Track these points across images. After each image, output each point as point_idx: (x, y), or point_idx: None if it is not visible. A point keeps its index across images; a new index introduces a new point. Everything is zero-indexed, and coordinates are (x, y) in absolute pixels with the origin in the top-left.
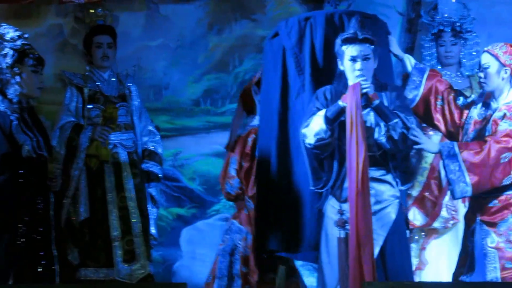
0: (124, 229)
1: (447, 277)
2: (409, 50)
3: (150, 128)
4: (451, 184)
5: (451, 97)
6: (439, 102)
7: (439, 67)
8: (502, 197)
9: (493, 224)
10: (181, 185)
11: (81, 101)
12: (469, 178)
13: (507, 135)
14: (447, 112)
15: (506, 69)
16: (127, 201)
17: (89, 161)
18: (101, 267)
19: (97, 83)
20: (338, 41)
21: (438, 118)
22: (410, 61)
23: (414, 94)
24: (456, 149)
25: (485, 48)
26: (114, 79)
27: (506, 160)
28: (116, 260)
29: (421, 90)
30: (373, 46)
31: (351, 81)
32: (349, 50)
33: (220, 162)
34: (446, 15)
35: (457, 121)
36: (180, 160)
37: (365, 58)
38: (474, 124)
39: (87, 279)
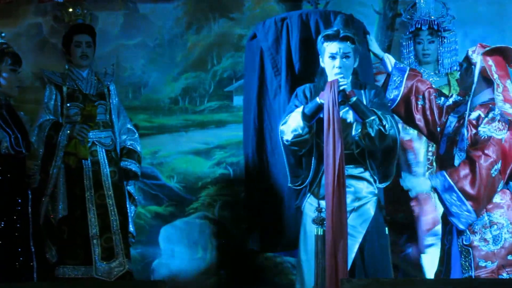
0: (103, 226)
1: (427, 274)
2: (387, 48)
3: (129, 126)
4: (454, 216)
5: (432, 96)
6: (420, 102)
7: (417, 65)
8: None
9: None
10: (159, 183)
11: (59, 99)
12: (470, 205)
13: (490, 145)
14: (428, 112)
15: (478, 69)
16: (105, 199)
17: (67, 159)
18: (80, 265)
19: (76, 82)
20: (320, 37)
21: (419, 118)
22: (390, 61)
23: (395, 94)
24: (449, 180)
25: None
26: (92, 77)
27: (497, 172)
28: (95, 258)
29: (402, 90)
30: (354, 45)
31: (330, 78)
32: (329, 47)
33: (199, 160)
34: (425, 13)
35: (438, 121)
36: (158, 158)
37: (344, 56)
38: (452, 124)
39: (65, 276)
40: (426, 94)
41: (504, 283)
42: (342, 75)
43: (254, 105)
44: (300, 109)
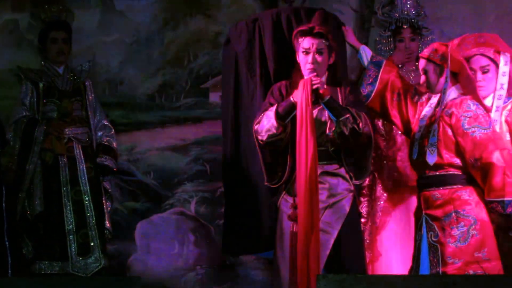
0: (79, 222)
1: (399, 270)
2: None
3: (105, 122)
4: None
5: (408, 93)
6: (395, 98)
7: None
8: (445, 191)
9: (436, 218)
10: (136, 179)
11: (36, 95)
12: None
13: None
14: (403, 109)
15: (440, 67)
16: (82, 195)
17: (44, 155)
18: (56, 261)
19: (52, 78)
20: (295, 33)
21: (395, 114)
22: (366, 54)
23: (370, 89)
24: None
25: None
26: (69, 74)
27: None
28: (71, 254)
29: (377, 85)
30: (328, 42)
31: (304, 74)
32: (303, 43)
33: (175, 156)
34: (404, 11)
35: (411, 118)
36: (135, 154)
37: (318, 52)
38: (425, 120)
39: (41, 272)
40: (402, 91)
41: (469, 279)
42: (315, 73)
43: (231, 109)
44: (274, 108)
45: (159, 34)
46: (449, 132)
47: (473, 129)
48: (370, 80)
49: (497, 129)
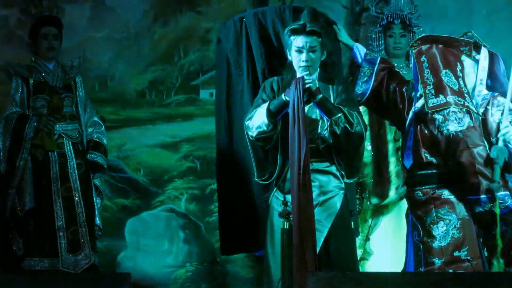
0: (69, 219)
1: (391, 268)
2: None
3: (95, 119)
4: None
5: (404, 89)
6: (391, 95)
7: (387, 59)
8: (426, 190)
9: (419, 218)
10: (126, 176)
11: (26, 91)
12: None
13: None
14: (400, 106)
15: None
16: (72, 192)
17: (34, 151)
18: (46, 257)
19: (42, 74)
20: (286, 31)
21: (391, 111)
22: (360, 52)
23: (365, 87)
24: None
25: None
26: (59, 70)
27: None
28: (61, 250)
29: (372, 83)
30: (320, 39)
31: (297, 72)
32: (296, 41)
33: (166, 153)
34: (396, 7)
35: (406, 115)
36: (125, 151)
37: (311, 50)
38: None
39: (31, 269)
40: (398, 87)
41: (459, 276)
42: (308, 72)
43: (224, 107)
44: (265, 105)
45: (149, 30)
46: (426, 131)
47: (447, 127)
48: (365, 78)
49: (476, 126)
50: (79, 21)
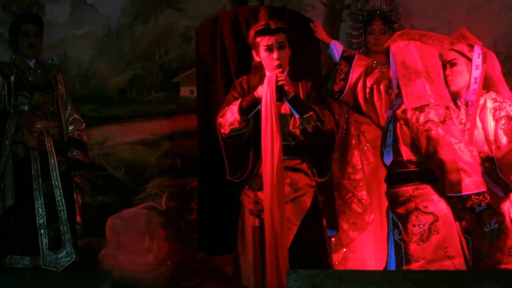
0: (50, 216)
1: (373, 267)
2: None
3: (76, 116)
4: None
5: (381, 87)
6: (368, 92)
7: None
8: (407, 188)
9: (400, 216)
10: (106, 174)
11: (7, 89)
12: None
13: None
14: (378, 104)
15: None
16: (53, 189)
17: (15, 148)
18: (27, 255)
19: (23, 71)
20: (251, 33)
21: (368, 107)
22: (337, 49)
23: (343, 84)
24: None
25: None
26: (40, 67)
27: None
28: (42, 248)
29: (349, 80)
30: (286, 35)
31: (269, 70)
32: (263, 41)
33: (146, 150)
34: (376, 4)
35: (384, 113)
36: (106, 148)
37: (280, 47)
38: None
39: (12, 266)
40: (375, 85)
41: (440, 275)
42: (281, 70)
43: (204, 105)
44: (238, 103)
45: (130, 28)
46: (405, 128)
47: (427, 125)
48: (342, 76)
49: (456, 122)
50: (59, 19)
